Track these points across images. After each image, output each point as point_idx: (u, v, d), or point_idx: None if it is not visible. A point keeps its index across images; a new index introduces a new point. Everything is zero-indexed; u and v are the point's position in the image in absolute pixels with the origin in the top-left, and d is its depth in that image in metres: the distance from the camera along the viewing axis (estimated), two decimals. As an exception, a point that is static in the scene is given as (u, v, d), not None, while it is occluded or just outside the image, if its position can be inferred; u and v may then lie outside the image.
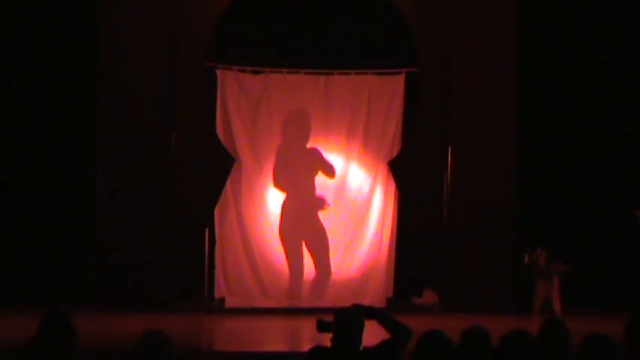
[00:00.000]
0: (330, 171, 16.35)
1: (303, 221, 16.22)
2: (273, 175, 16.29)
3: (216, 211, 16.01)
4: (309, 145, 16.41)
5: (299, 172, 16.32)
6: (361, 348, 6.13)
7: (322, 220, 16.30)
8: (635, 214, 15.37)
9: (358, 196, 16.54)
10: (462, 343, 5.72)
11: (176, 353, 5.26)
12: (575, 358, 5.59)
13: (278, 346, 12.42)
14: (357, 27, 16.49)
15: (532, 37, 16.23)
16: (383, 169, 16.41)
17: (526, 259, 15.66)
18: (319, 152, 16.39)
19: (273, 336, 13.49)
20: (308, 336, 12.07)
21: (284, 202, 16.26)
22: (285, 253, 16.22)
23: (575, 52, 16.53)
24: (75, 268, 15.62)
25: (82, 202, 15.79)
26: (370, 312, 6.29)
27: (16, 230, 15.80)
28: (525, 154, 16.08)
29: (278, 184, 16.29)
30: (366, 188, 16.53)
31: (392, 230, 16.40)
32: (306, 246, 16.29)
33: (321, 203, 16.26)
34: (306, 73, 16.45)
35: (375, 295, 15.98)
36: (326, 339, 6.13)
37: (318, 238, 16.26)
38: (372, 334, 6.30)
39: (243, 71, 16.31)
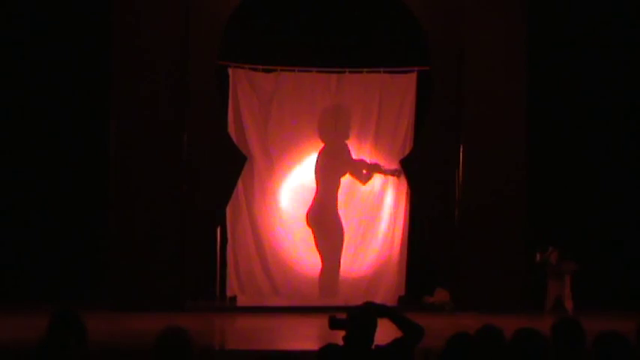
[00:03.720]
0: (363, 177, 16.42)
1: (326, 215, 16.22)
2: (316, 166, 16.32)
3: (227, 210, 16.01)
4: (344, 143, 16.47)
5: (336, 166, 16.30)
6: (373, 346, 6.13)
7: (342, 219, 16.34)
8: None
9: (370, 194, 16.54)
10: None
11: (196, 350, 5.27)
12: (590, 356, 5.58)
13: (290, 344, 12.43)
14: (369, 25, 16.49)
15: (543, 35, 16.21)
16: (395, 167, 16.39)
17: (537, 258, 15.65)
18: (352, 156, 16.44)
19: (284, 334, 13.50)
20: (320, 334, 12.07)
21: (318, 194, 16.28)
22: (318, 247, 16.27)
23: (587, 49, 16.51)
24: (86, 267, 15.66)
25: (93, 200, 15.82)
26: (382, 310, 6.29)
27: (26, 228, 15.83)
28: (537, 153, 16.06)
29: (317, 175, 16.33)
30: (377, 187, 16.52)
31: (403, 229, 16.40)
32: (324, 240, 16.28)
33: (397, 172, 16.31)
34: (317, 72, 16.44)
35: (386, 294, 15.97)
36: (338, 337, 6.13)
37: (337, 234, 16.25)
38: (384, 333, 6.30)
39: (255, 70, 16.31)
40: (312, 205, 16.28)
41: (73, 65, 15.92)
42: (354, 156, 16.47)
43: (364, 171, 16.43)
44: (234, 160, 15.77)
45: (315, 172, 16.35)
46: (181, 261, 15.23)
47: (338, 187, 16.36)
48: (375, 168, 16.44)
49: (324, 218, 16.26)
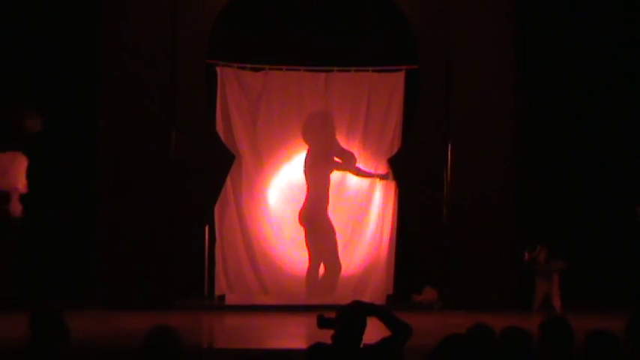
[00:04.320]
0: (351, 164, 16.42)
1: (317, 215, 16.21)
2: (304, 168, 16.32)
3: (216, 209, 16.01)
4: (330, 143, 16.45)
5: (323, 167, 16.29)
6: (361, 345, 6.13)
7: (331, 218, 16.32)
8: (635, 210, 15.40)
9: (358, 193, 16.55)
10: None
11: (184, 349, 5.27)
12: (578, 354, 5.59)
13: (278, 343, 12.42)
14: (357, 24, 16.49)
15: (533, 34, 16.23)
16: (383, 167, 16.40)
17: (526, 256, 15.66)
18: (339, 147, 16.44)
19: (273, 333, 13.48)
20: (308, 333, 12.06)
21: (308, 194, 16.27)
22: (308, 246, 16.26)
23: (577, 49, 16.53)
24: (74, 266, 15.62)
25: (81, 199, 15.77)
26: (371, 309, 6.29)
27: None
28: (526, 151, 16.08)
29: (306, 177, 16.33)
30: (365, 185, 16.53)
31: (392, 227, 16.40)
32: (315, 238, 16.27)
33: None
34: (306, 71, 16.45)
35: (374, 293, 15.98)
36: (326, 336, 6.13)
37: (329, 234, 16.23)
38: (372, 332, 6.30)
39: (243, 68, 16.31)
40: (304, 204, 16.27)
41: (59, 63, 15.86)
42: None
43: (354, 165, 16.44)
44: (222, 159, 15.75)
45: (304, 173, 16.34)
46: (170, 260, 15.21)
47: (328, 187, 16.35)
48: (364, 175, 16.44)
49: (316, 217, 16.25)
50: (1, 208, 14.69)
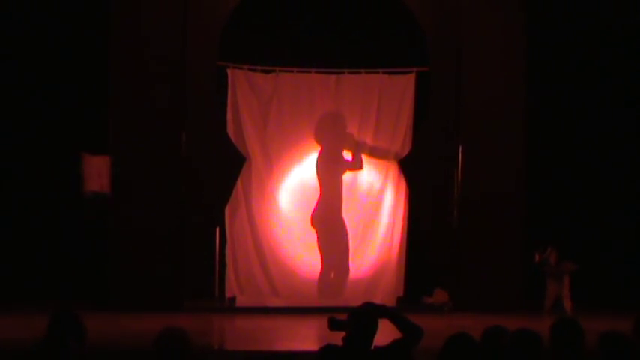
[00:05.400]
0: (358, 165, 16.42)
1: (331, 217, 16.22)
2: (317, 170, 16.34)
3: (227, 211, 16.03)
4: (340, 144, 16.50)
5: (335, 166, 16.31)
6: (372, 347, 6.12)
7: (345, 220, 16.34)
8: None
9: (369, 195, 16.55)
10: (482, 343, 5.74)
11: (194, 350, 5.28)
12: (588, 356, 5.59)
13: (289, 344, 12.42)
14: (367, 26, 16.49)
15: (542, 35, 16.21)
16: (394, 169, 16.41)
17: (536, 258, 15.65)
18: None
19: (284, 335, 13.50)
20: (319, 335, 12.07)
21: (321, 196, 16.31)
22: (320, 248, 16.29)
23: (585, 49, 16.50)
24: (86, 268, 15.65)
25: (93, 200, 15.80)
26: (382, 311, 6.28)
27: (26, 228, 15.81)
28: (536, 153, 16.07)
29: (318, 178, 16.36)
30: (376, 187, 16.53)
31: (402, 229, 16.40)
32: (327, 241, 16.28)
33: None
34: (316, 72, 16.45)
35: (385, 294, 15.97)
36: (337, 338, 6.13)
37: (342, 236, 16.25)
38: (383, 334, 6.30)
39: (253, 70, 16.32)
40: (316, 206, 16.29)
41: (70, 65, 15.90)
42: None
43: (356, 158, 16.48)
44: (233, 161, 15.80)
45: (317, 174, 16.36)
46: (180, 261, 15.24)
47: (341, 187, 16.36)
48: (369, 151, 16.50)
49: (328, 219, 16.26)
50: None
